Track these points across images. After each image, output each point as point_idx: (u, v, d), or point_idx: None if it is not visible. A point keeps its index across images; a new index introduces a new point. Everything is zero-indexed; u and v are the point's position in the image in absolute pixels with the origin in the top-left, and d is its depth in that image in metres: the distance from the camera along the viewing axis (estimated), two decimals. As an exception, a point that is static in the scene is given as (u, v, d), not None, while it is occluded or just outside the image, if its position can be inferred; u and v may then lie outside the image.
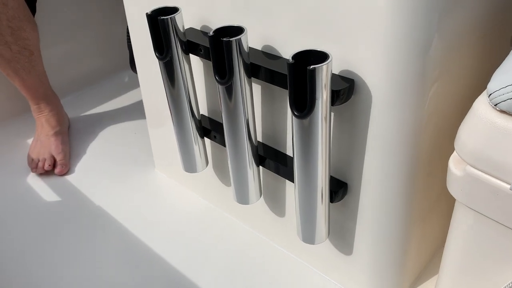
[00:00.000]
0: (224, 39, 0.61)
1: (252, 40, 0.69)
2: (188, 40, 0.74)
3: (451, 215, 0.60)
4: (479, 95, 0.53)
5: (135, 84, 1.49)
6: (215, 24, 0.74)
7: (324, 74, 0.53)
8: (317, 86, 0.54)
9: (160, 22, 0.69)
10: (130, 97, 1.43)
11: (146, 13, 0.70)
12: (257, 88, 0.73)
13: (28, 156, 1.14)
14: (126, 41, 1.21)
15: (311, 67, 0.52)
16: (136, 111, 1.35)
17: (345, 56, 0.59)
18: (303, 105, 0.56)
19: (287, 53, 0.66)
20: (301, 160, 0.62)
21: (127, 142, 1.23)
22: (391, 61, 0.57)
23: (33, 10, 1.14)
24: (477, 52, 0.68)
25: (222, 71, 0.64)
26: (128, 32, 1.00)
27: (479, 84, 0.62)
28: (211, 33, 0.62)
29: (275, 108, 0.73)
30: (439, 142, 0.68)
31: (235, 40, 0.61)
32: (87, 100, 1.43)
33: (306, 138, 0.59)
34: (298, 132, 0.59)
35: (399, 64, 0.56)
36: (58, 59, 1.39)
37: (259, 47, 0.69)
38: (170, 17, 0.69)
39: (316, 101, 0.55)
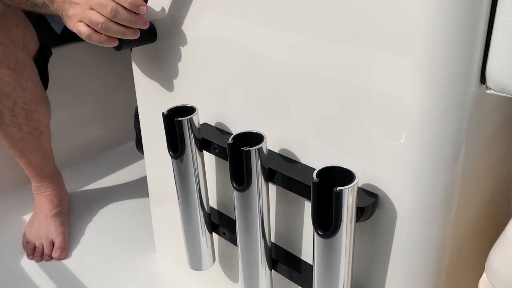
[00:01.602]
0: (244, 148, 0.59)
1: (269, 141, 0.68)
2: (203, 138, 0.72)
3: None
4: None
5: (136, 157, 1.46)
6: (230, 121, 0.74)
7: (350, 195, 0.52)
8: (343, 207, 0.52)
9: (176, 123, 0.68)
10: (131, 172, 1.41)
11: (163, 113, 0.69)
12: (272, 188, 0.71)
13: (24, 236, 1.10)
14: (130, 115, 1.21)
15: (338, 189, 0.50)
16: (137, 187, 1.32)
17: (368, 169, 0.58)
18: (327, 224, 0.54)
19: (305, 158, 0.65)
20: (323, 273, 0.59)
21: (127, 221, 1.19)
22: (417, 175, 0.55)
23: (46, 83, 1.14)
24: (505, 158, 0.67)
25: (240, 178, 0.63)
26: (136, 114, 0.99)
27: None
28: (230, 141, 0.61)
29: (290, 211, 0.70)
30: (464, 255, 0.66)
31: (255, 149, 0.60)
32: (87, 174, 1.40)
33: (329, 254, 0.57)
34: (320, 248, 0.57)
35: (424, 177, 0.55)
36: (59, 128, 1.37)
37: (276, 149, 0.68)
38: (187, 118, 0.68)
39: (342, 222, 0.53)
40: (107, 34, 0.70)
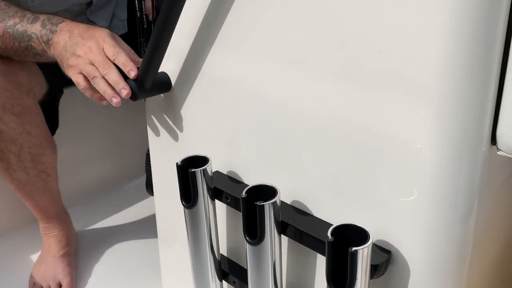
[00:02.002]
0: (258, 203, 0.60)
1: (282, 192, 0.69)
2: (215, 187, 0.73)
3: None
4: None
5: (144, 196, 1.47)
6: (242, 170, 0.74)
7: (365, 254, 0.52)
8: (358, 266, 0.52)
9: (190, 175, 0.69)
10: (139, 211, 1.41)
11: (176, 163, 0.70)
12: (284, 238, 0.72)
13: (31, 277, 1.10)
14: (139, 152, 1.22)
15: (353, 249, 0.51)
16: (145, 227, 1.32)
17: (381, 225, 0.59)
18: (342, 281, 0.54)
19: (318, 211, 0.65)
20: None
21: (134, 262, 1.19)
22: (430, 231, 0.56)
23: (55, 124, 1.15)
24: None
25: (253, 232, 0.63)
26: (148, 156, 1.00)
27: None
28: (243, 195, 0.62)
29: (302, 262, 0.71)
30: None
31: (269, 204, 0.61)
32: (95, 212, 1.40)
33: (342, 310, 0.57)
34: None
35: (437, 234, 0.56)
36: (67, 164, 1.38)
37: (288, 201, 0.69)
38: (201, 170, 0.69)
39: (356, 280, 0.53)
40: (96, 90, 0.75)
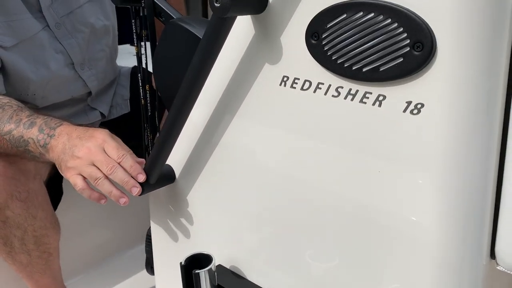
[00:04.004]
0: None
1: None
2: (218, 284, 0.74)
3: None
4: None
5: (140, 266, 1.46)
6: (245, 265, 0.75)
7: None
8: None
9: (194, 276, 0.69)
10: (138, 281, 1.40)
11: (180, 263, 0.71)
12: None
13: None
14: (139, 221, 1.22)
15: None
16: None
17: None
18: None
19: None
20: None
21: None
22: None
23: (59, 197, 1.16)
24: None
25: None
26: (148, 237, 1.01)
27: None
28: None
29: None
30: None
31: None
32: (94, 284, 1.39)
33: None
34: None
35: None
36: (67, 235, 1.38)
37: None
38: (205, 270, 0.69)
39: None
40: (99, 191, 0.75)
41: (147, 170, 0.76)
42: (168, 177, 0.82)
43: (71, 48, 1.08)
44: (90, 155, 0.73)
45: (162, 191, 0.84)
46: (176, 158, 0.81)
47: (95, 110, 1.22)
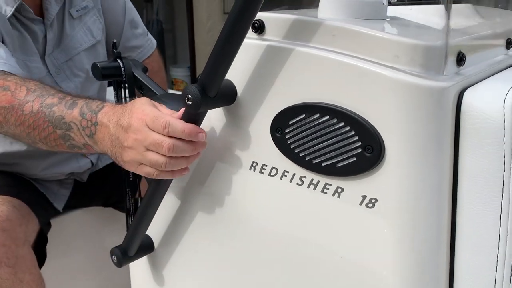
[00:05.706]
0: None
1: None
2: None
3: None
4: None
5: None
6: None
7: None
8: None
9: None
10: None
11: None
12: None
13: None
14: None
15: None
16: None
17: None
18: None
19: None
20: None
21: None
22: None
23: (43, 260, 1.17)
24: None
25: None
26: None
27: None
28: None
29: None
30: None
31: None
32: None
33: None
34: None
35: None
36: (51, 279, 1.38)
37: None
38: None
39: None
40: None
41: (126, 243, 0.79)
42: (147, 246, 0.85)
43: (69, 90, 1.11)
44: (138, 142, 0.66)
45: (142, 263, 0.87)
46: (155, 228, 0.85)
47: (86, 158, 1.24)
